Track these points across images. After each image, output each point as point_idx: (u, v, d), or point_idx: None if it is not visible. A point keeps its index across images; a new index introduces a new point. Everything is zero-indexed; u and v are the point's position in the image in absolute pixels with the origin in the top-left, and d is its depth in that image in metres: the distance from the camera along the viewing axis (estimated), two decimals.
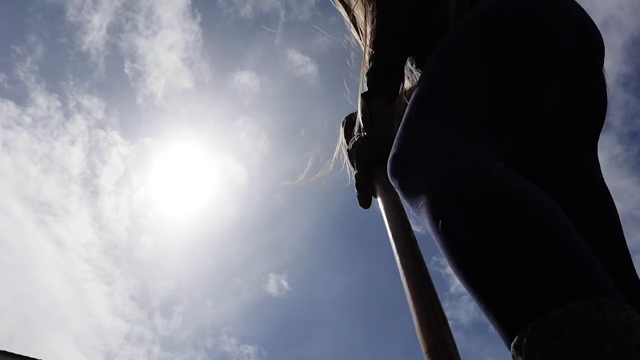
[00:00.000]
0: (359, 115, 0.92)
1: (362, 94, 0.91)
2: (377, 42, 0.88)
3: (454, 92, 0.66)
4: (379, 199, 0.84)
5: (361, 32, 0.99)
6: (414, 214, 0.60)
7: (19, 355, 6.53)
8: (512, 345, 0.44)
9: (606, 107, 0.86)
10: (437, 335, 0.58)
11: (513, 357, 0.44)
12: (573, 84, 0.75)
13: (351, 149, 0.91)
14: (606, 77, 0.85)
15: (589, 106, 0.83)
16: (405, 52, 0.90)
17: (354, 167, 0.91)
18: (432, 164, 0.57)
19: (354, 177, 0.91)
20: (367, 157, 0.88)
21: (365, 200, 0.91)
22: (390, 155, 0.64)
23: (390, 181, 0.64)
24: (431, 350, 0.57)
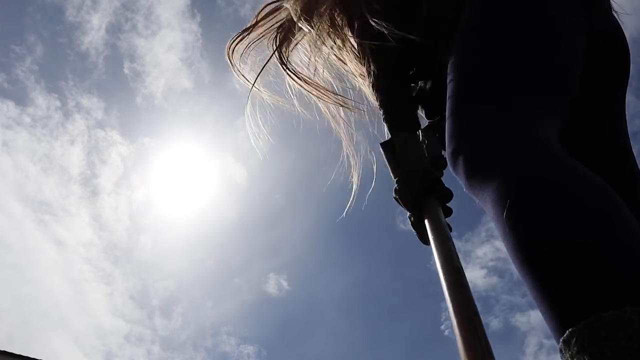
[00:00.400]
0: (386, 164, 0.94)
1: (380, 144, 0.94)
2: (380, 87, 0.92)
3: (496, 78, 0.67)
4: (428, 231, 0.83)
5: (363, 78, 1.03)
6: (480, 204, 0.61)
7: (19, 355, 6.53)
8: (561, 340, 0.44)
9: (629, 56, 0.87)
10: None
11: (560, 350, 0.44)
12: (594, 32, 0.78)
13: (395, 196, 0.91)
14: (621, 25, 0.87)
15: (610, 60, 0.85)
16: (407, 82, 0.93)
17: (405, 208, 0.90)
18: (497, 153, 0.58)
19: (408, 220, 0.91)
20: (409, 198, 0.87)
21: (425, 238, 0.88)
22: (450, 150, 0.65)
23: (454, 174, 0.65)
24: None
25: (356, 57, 1.02)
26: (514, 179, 0.54)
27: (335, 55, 1.07)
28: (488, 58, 0.70)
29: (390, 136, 0.93)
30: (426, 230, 0.86)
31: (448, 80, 0.73)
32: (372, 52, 0.92)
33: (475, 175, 0.60)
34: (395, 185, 0.90)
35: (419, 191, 0.85)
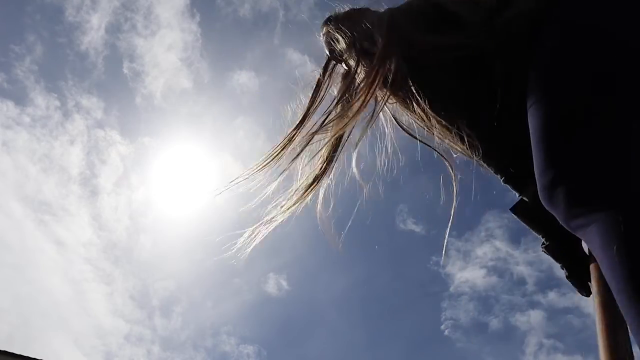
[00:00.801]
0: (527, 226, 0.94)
1: (511, 210, 0.91)
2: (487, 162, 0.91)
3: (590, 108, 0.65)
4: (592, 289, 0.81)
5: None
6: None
7: (19, 355, 6.53)
8: None
9: None
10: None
11: None
12: None
13: (544, 250, 0.91)
14: None
15: None
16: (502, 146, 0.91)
17: (560, 263, 0.90)
18: (606, 185, 0.58)
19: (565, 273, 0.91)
20: (558, 256, 0.89)
21: (586, 290, 0.87)
22: (549, 179, 0.64)
23: (549, 205, 0.65)
24: None
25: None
26: (630, 212, 0.55)
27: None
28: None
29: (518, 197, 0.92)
30: (584, 282, 0.85)
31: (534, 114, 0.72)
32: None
33: (580, 204, 0.60)
34: (545, 242, 0.89)
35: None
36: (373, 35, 0.95)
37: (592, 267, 0.78)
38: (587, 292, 0.86)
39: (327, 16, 1.09)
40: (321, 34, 1.10)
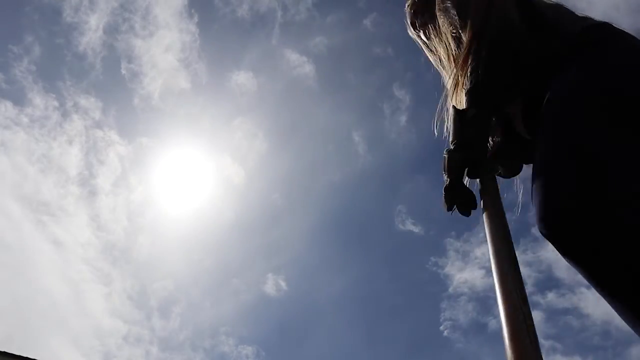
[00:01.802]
0: (450, 125, 1.01)
1: (454, 107, 1.01)
2: (486, 62, 0.97)
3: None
4: (482, 203, 0.89)
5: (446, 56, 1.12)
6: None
7: (18, 355, 6.53)
8: None
9: None
10: (527, 353, 0.60)
11: None
12: None
13: (445, 155, 0.97)
14: None
15: None
16: (510, 78, 0.97)
17: (445, 171, 0.97)
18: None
19: (445, 181, 0.97)
20: (458, 163, 0.95)
21: (448, 205, 0.97)
22: (558, 210, 0.70)
23: (555, 240, 0.70)
24: None
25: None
26: None
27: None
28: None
29: (467, 106, 0.98)
30: (453, 200, 0.94)
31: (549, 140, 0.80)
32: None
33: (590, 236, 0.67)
34: (450, 147, 0.97)
35: (470, 160, 0.94)
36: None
37: (485, 216, 0.85)
38: (448, 208, 0.96)
39: None
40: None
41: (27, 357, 6.57)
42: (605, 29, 0.90)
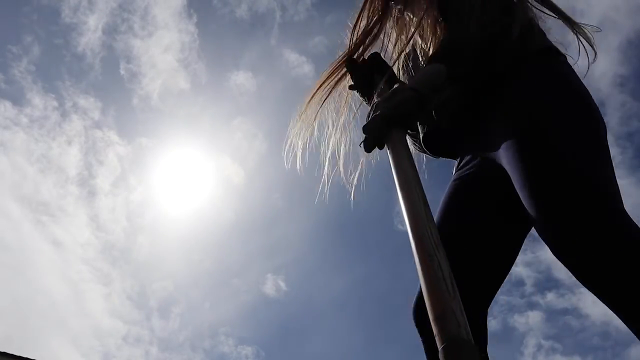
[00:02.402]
0: (380, 86, 1.04)
1: (390, 69, 1.07)
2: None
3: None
4: (391, 155, 0.85)
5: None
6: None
7: (17, 356, 6.52)
8: None
9: None
10: (445, 302, 0.58)
11: None
12: None
13: (378, 98, 0.95)
14: None
15: None
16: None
17: (386, 105, 0.90)
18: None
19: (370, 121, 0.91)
20: (411, 107, 0.88)
21: (368, 147, 0.91)
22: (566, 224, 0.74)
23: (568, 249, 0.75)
24: (439, 317, 0.58)
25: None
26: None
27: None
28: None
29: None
30: (373, 144, 0.89)
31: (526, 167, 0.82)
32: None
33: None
34: (376, 101, 0.93)
35: (396, 114, 0.88)
36: None
37: (394, 162, 0.84)
38: (366, 149, 0.91)
39: None
40: None
41: (26, 357, 6.57)
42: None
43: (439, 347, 0.55)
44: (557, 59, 0.97)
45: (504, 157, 0.86)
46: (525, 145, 0.83)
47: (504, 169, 0.88)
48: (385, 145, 0.89)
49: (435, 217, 0.95)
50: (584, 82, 0.95)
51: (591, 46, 1.05)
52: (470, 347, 0.54)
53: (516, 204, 0.85)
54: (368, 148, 0.89)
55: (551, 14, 1.07)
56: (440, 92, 0.92)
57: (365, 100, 1.16)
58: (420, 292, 0.91)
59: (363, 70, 1.15)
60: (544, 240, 0.79)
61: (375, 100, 0.94)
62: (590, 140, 0.84)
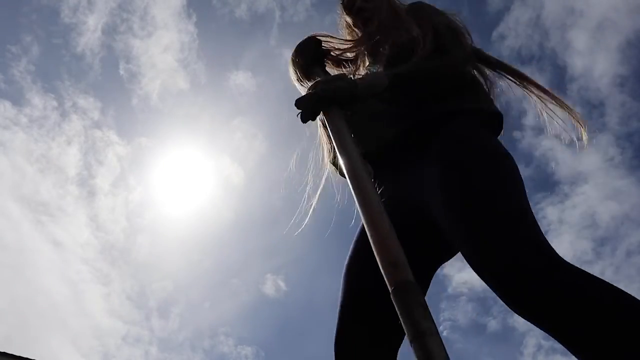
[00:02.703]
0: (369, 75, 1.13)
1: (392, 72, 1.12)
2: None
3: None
4: (330, 126, 0.93)
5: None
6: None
7: (17, 356, 6.53)
8: None
9: None
10: (397, 250, 0.64)
11: None
12: None
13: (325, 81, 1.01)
14: None
15: None
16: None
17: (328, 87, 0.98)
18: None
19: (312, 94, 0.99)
20: (347, 89, 0.97)
21: (303, 119, 1.00)
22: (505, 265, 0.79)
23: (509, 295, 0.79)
24: (392, 263, 0.63)
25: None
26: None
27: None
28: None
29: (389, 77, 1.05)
30: (307, 114, 0.98)
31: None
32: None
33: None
34: (317, 80, 1.03)
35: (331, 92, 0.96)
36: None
37: (335, 134, 0.92)
38: (302, 120, 1.00)
39: None
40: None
41: (26, 358, 6.58)
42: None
43: (390, 289, 0.58)
44: (486, 122, 1.06)
45: (431, 194, 0.95)
46: (454, 184, 0.92)
47: (420, 209, 0.98)
48: (325, 120, 0.97)
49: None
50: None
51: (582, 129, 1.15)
52: (417, 289, 0.56)
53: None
54: (304, 119, 0.99)
55: (514, 80, 1.19)
56: (378, 95, 1.03)
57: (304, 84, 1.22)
58: (341, 325, 1.00)
59: (307, 58, 1.23)
60: (468, 263, 0.87)
61: (316, 80, 1.03)
62: (509, 186, 0.92)
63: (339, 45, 1.28)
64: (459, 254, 0.94)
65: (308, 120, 0.99)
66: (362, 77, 1.11)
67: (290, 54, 1.25)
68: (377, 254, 0.64)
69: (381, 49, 1.19)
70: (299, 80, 1.20)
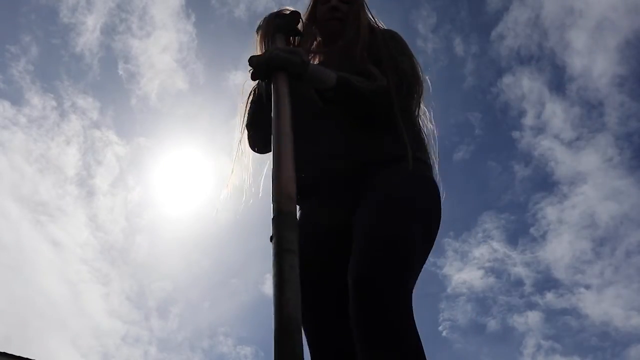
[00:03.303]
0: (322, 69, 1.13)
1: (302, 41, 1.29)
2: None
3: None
4: (273, 91, 0.98)
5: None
6: None
7: (17, 356, 6.53)
8: None
9: None
10: (290, 188, 0.80)
11: None
12: None
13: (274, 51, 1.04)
14: None
15: None
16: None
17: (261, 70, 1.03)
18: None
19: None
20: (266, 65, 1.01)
21: (253, 77, 1.05)
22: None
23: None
24: (286, 196, 0.79)
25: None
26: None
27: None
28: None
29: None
30: (258, 75, 1.03)
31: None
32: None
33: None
34: (274, 46, 1.09)
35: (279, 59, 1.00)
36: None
37: (275, 109, 0.97)
38: (252, 78, 1.07)
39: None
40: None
41: (25, 358, 6.58)
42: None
43: (274, 215, 0.81)
44: (420, 169, 1.11)
45: (358, 216, 1.04)
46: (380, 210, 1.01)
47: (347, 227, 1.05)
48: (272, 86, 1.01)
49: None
50: None
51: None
52: (295, 222, 0.78)
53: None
54: (254, 77, 1.04)
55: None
56: (322, 91, 1.07)
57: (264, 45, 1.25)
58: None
59: (282, 26, 1.26)
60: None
61: (276, 46, 1.09)
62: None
63: (303, 38, 1.32)
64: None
65: (257, 80, 1.05)
66: (315, 65, 1.15)
67: (272, 12, 1.27)
68: (275, 185, 0.81)
69: (334, 61, 1.21)
70: (264, 36, 1.22)
